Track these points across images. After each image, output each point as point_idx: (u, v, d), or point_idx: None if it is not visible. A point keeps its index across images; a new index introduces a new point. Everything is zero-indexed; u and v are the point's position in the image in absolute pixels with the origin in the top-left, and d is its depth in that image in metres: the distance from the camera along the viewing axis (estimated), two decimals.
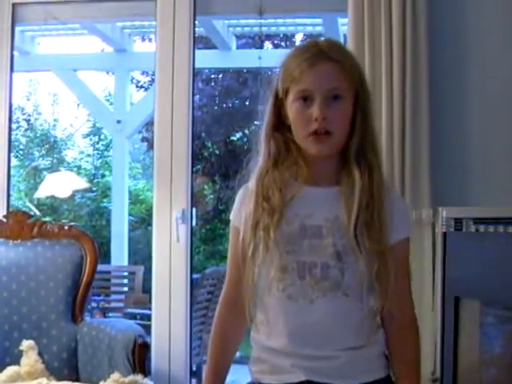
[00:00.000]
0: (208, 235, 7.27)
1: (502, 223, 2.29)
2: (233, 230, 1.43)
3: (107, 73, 7.25)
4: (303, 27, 5.18)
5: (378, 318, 1.38)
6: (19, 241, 2.77)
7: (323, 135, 1.31)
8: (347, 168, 1.35)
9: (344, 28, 3.67)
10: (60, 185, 4.79)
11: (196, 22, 2.97)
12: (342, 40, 4.30)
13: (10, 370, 2.47)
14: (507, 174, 2.60)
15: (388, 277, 1.32)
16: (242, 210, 1.40)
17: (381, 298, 1.33)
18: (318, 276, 1.31)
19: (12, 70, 3.09)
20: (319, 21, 4.51)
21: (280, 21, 4.60)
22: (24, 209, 5.34)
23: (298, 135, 1.34)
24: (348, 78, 1.32)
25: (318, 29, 4.94)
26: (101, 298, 4.93)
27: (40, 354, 2.54)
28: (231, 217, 1.44)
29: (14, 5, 3.06)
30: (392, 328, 1.39)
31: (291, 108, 1.33)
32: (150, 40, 6.19)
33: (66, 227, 2.82)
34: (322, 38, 1.46)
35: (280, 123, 1.37)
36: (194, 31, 2.94)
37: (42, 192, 4.95)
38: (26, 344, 2.53)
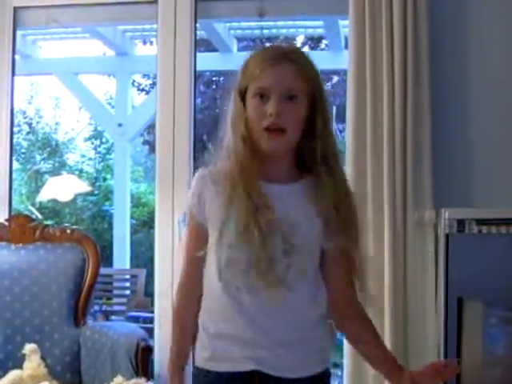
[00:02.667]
0: None
1: (505, 224, 2.29)
2: (192, 221, 1.47)
3: (109, 76, 7.26)
4: (304, 29, 5.18)
5: (323, 312, 1.45)
6: (21, 245, 2.77)
7: (277, 132, 1.36)
8: (303, 168, 1.42)
9: (345, 30, 3.67)
10: (62, 188, 4.80)
11: (197, 25, 2.97)
12: (343, 42, 4.31)
13: (13, 373, 2.48)
14: (510, 174, 2.60)
15: (339, 273, 1.43)
16: (199, 193, 1.44)
17: (330, 290, 1.44)
18: (263, 269, 1.36)
19: (14, 73, 3.09)
20: (320, 23, 4.51)
21: (281, 23, 4.59)
22: (26, 212, 5.34)
23: (253, 131, 1.39)
24: (305, 81, 1.38)
25: (319, 31, 4.94)
26: (103, 301, 4.93)
27: (43, 357, 2.54)
28: (190, 205, 1.47)
29: (15, 8, 3.07)
30: (340, 313, 1.48)
31: (249, 104, 1.39)
32: (152, 43, 6.19)
33: (68, 231, 2.83)
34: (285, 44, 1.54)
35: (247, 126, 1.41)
36: (195, 34, 2.94)
37: (44, 195, 4.96)
38: (28, 348, 2.53)
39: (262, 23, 3.53)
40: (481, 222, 2.31)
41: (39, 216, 5.20)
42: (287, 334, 1.40)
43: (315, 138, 1.40)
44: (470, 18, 2.67)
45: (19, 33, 3.35)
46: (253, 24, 4.36)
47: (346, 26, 3.13)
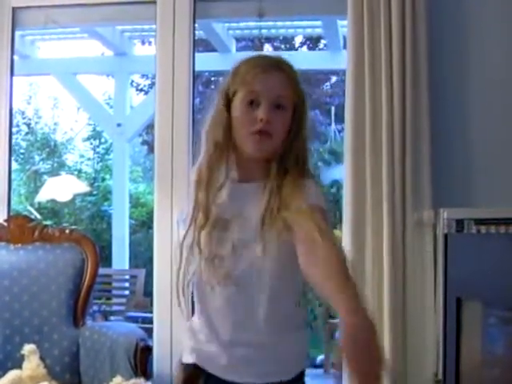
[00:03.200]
0: None
1: (504, 224, 2.29)
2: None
3: (107, 76, 7.25)
4: (303, 29, 5.18)
5: (293, 317, 1.44)
6: (20, 245, 2.77)
7: (265, 135, 1.39)
8: (267, 169, 1.44)
9: (344, 30, 3.68)
10: (60, 189, 4.80)
11: (196, 25, 2.97)
12: (341, 42, 4.32)
13: (12, 374, 2.47)
14: (508, 174, 2.61)
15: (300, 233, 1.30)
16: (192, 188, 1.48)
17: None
18: (216, 265, 1.40)
19: (12, 73, 3.09)
20: (319, 23, 4.51)
21: (280, 23, 4.59)
22: (25, 213, 5.34)
23: (239, 134, 1.41)
24: (293, 91, 1.42)
25: (318, 31, 4.94)
26: (102, 301, 4.93)
27: (42, 358, 2.54)
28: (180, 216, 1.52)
29: (14, 9, 3.06)
30: (310, 270, 1.28)
31: (237, 109, 1.41)
32: (150, 43, 6.19)
33: (67, 231, 2.82)
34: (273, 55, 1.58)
35: (226, 130, 1.43)
36: (194, 34, 2.94)
37: (43, 196, 4.96)
38: (27, 348, 2.53)
39: (261, 23, 3.53)
40: (479, 221, 2.31)
41: (38, 216, 5.20)
42: (234, 335, 1.41)
43: (287, 141, 1.43)
44: (468, 19, 2.67)
45: (18, 33, 3.34)
46: (251, 24, 4.36)
47: (344, 26, 3.13)
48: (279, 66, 1.43)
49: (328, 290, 1.21)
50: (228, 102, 1.44)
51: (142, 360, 2.38)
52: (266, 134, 1.39)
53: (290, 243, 1.32)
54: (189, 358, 1.48)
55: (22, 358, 2.52)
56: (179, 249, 1.46)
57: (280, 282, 1.41)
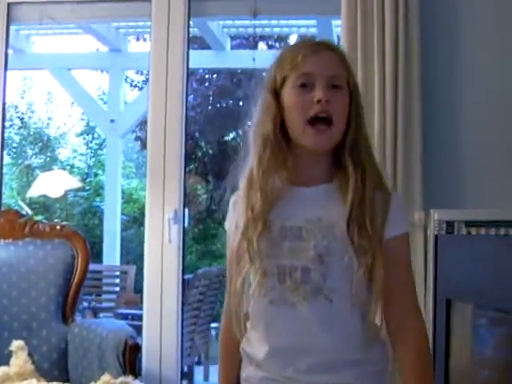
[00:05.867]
0: (201, 235, 7.25)
1: (494, 226, 2.29)
2: (227, 238, 1.40)
3: (102, 72, 7.23)
4: (297, 28, 5.18)
5: (376, 330, 1.30)
6: (11, 240, 2.76)
7: (323, 125, 1.26)
8: (340, 165, 1.30)
9: (338, 29, 3.67)
10: (52, 184, 4.78)
11: (190, 23, 2.96)
12: (336, 41, 4.32)
13: (0, 370, 2.46)
14: (499, 176, 2.61)
15: (380, 276, 1.24)
16: (232, 220, 1.36)
17: (376, 301, 1.26)
18: (298, 280, 1.25)
19: (6, 68, 3.08)
20: (313, 22, 4.51)
21: (274, 22, 4.60)
22: (16, 207, 5.32)
23: (295, 124, 1.28)
24: (345, 69, 1.31)
25: (312, 30, 4.93)
26: (92, 297, 4.91)
27: (30, 354, 2.52)
28: (226, 226, 1.41)
29: (9, 4, 3.05)
30: (396, 346, 1.27)
31: (289, 95, 1.28)
32: (145, 40, 6.17)
33: (58, 227, 2.81)
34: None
35: (276, 123, 1.30)
36: (189, 32, 2.93)
37: (35, 191, 4.94)
38: (15, 344, 2.52)
39: (256, 22, 3.53)
40: (470, 223, 2.31)
41: (29, 211, 5.18)
42: (328, 352, 1.25)
43: (349, 130, 1.30)
44: (461, 18, 2.67)
45: (13, 27, 3.33)
46: (246, 22, 4.36)
47: (338, 25, 3.13)
48: (329, 46, 1.32)
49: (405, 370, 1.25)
50: (276, 95, 1.30)
51: (130, 358, 2.36)
52: (324, 120, 1.25)
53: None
54: None
55: (10, 354, 2.51)
56: (230, 265, 1.32)
57: (364, 294, 1.27)
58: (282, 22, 4.69)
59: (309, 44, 1.32)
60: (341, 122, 1.28)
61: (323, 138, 1.27)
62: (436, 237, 2.36)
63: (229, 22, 4.72)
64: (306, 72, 1.27)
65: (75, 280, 2.69)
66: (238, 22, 4.66)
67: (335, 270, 1.24)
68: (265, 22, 4.40)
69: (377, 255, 1.24)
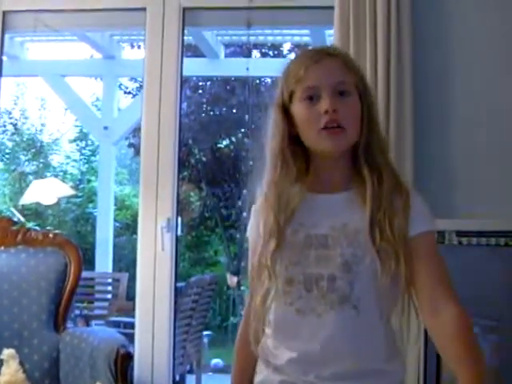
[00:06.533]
0: (193, 242, 7.25)
1: (485, 236, 2.31)
2: (249, 245, 1.40)
3: (95, 79, 7.23)
4: (291, 37, 5.21)
5: (397, 339, 1.31)
6: (3, 248, 2.74)
7: (336, 129, 1.26)
8: (358, 170, 1.30)
9: (331, 38, 3.69)
10: (45, 192, 4.77)
11: (185, 31, 2.97)
12: None
13: None
14: (490, 187, 2.62)
15: (405, 277, 1.24)
16: (254, 226, 1.37)
17: (401, 300, 1.28)
18: (324, 288, 1.25)
19: (0, 74, 3.08)
20: (306, 31, 4.54)
21: (268, 31, 4.62)
22: (8, 214, 5.31)
23: (308, 135, 1.29)
24: (351, 74, 1.31)
25: (306, 39, 4.96)
26: (84, 304, 4.89)
27: (21, 363, 2.50)
28: (248, 233, 1.42)
29: (4, 12, 3.06)
30: (436, 332, 1.27)
31: (298, 109, 1.30)
32: (139, 47, 6.18)
33: (51, 235, 2.80)
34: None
35: (289, 134, 1.32)
36: (183, 40, 2.94)
37: (27, 198, 4.92)
38: (6, 353, 2.50)
39: (250, 31, 3.54)
40: (461, 233, 2.32)
41: (21, 218, 5.16)
42: (355, 361, 1.25)
43: (361, 134, 1.29)
44: (452, 26, 2.68)
45: (7, 35, 3.33)
46: (240, 31, 4.38)
47: (331, 35, 3.15)
48: (330, 53, 1.32)
49: (451, 357, 1.25)
50: (285, 109, 1.31)
51: (122, 367, 2.35)
52: (335, 127, 1.25)
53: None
54: None
55: (1, 362, 2.49)
56: (251, 278, 1.32)
57: (389, 301, 1.28)
58: (276, 31, 4.71)
59: (310, 54, 1.33)
60: (352, 127, 1.28)
61: (339, 137, 1.27)
62: None
63: (223, 31, 4.74)
64: (310, 85, 1.28)
65: (67, 289, 2.67)
66: (231, 31, 4.68)
67: (362, 278, 1.24)
68: (259, 31, 4.42)
69: (400, 257, 1.24)
